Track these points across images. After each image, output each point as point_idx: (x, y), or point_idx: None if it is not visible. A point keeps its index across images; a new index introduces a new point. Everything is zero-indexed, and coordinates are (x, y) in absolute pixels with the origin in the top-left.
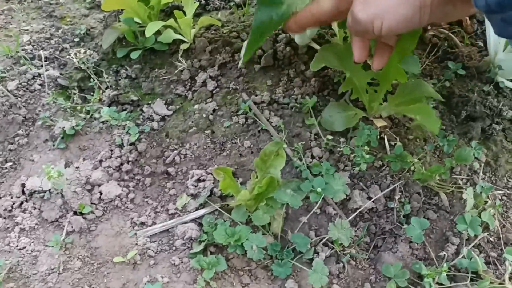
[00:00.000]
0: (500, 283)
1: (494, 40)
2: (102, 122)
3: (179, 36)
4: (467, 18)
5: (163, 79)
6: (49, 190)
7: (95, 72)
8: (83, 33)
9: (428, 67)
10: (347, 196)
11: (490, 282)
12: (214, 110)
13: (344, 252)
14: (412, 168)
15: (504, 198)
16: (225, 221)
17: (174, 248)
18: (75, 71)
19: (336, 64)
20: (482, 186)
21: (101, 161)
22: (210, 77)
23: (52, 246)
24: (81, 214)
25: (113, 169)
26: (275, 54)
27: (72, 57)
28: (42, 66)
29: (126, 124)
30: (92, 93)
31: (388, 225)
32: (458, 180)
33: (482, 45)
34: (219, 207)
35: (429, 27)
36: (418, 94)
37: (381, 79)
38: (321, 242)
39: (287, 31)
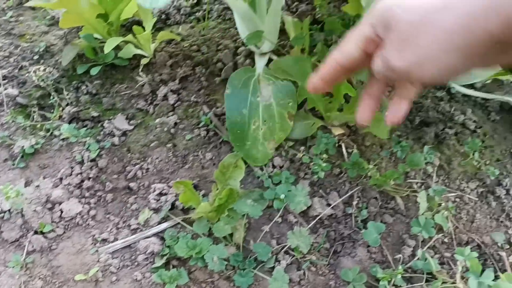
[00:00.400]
0: (452, 283)
1: None
2: (62, 139)
3: (139, 51)
4: None
5: (124, 94)
6: (9, 210)
7: (55, 89)
8: (43, 51)
9: None
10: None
11: (443, 282)
12: (175, 124)
13: (305, 259)
14: (369, 174)
15: (458, 200)
16: (187, 234)
17: (136, 263)
18: (34, 89)
19: (291, 75)
20: (435, 189)
21: (61, 178)
22: (171, 90)
23: (13, 267)
24: (42, 233)
25: (74, 186)
26: (235, 67)
27: (32, 75)
28: (0, 85)
29: (86, 141)
30: (52, 111)
31: (347, 230)
32: (413, 184)
33: None
34: (181, 220)
35: None
36: None
37: (334, 92)
38: (282, 250)
39: (312, 92)
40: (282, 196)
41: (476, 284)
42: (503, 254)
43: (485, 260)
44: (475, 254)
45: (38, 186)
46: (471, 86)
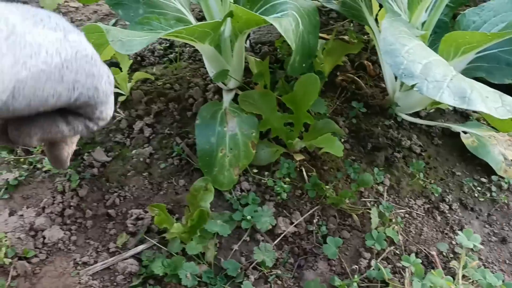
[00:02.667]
0: None
1: (391, 81)
2: (45, 171)
3: (116, 90)
4: (370, 63)
5: (102, 129)
6: None
7: None
8: None
9: (339, 107)
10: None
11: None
12: (151, 154)
13: (271, 273)
14: (327, 194)
15: (407, 215)
16: (162, 254)
17: (115, 283)
18: None
19: (256, 107)
20: (386, 206)
21: (44, 208)
22: (147, 124)
23: None
24: (26, 258)
25: (56, 214)
26: (205, 102)
27: None
28: None
29: (67, 172)
30: (35, 146)
31: (309, 246)
32: (367, 202)
33: (384, 86)
34: (157, 242)
35: (338, 73)
36: (326, 131)
37: (294, 121)
38: (251, 266)
39: None
40: (249, 217)
41: (420, 285)
42: (434, 253)
43: (433, 268)
44: (419, 260)
45: (22, 215)
46: (417, 115)
